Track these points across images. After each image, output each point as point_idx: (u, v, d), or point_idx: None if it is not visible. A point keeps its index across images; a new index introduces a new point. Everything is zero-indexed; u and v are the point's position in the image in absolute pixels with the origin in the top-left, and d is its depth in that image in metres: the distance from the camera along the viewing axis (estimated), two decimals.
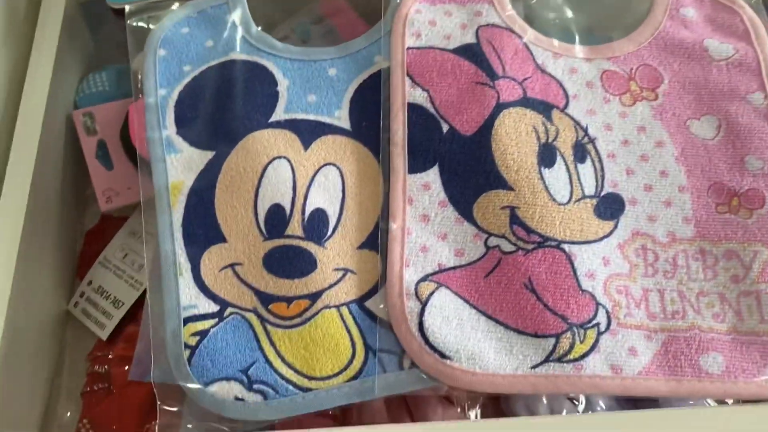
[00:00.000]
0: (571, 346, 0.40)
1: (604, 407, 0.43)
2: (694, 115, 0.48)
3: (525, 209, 0.43)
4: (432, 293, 0.42)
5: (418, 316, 0.41)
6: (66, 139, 0.55)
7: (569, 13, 0.53)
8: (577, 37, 0.51)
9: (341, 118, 0.48)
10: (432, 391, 0.42)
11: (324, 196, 0.45)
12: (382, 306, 0.42)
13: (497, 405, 0.44)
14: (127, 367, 0.49)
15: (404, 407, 0.45)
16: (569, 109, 0.48)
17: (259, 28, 0.52)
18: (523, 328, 0.41)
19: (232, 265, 0.44)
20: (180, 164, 0.46)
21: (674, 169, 0.46)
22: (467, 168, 0.45)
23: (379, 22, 0.51)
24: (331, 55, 0.51)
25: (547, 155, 0.45)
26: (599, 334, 0.41)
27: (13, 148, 0.50)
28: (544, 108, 0.47)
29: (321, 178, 0.46)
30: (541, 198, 0.43)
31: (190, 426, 0.40)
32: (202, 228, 0.45)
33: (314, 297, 0.42)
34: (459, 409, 0.43)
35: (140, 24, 0.53)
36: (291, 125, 0.47)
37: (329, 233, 0.44)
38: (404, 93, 0.47)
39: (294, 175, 0.45)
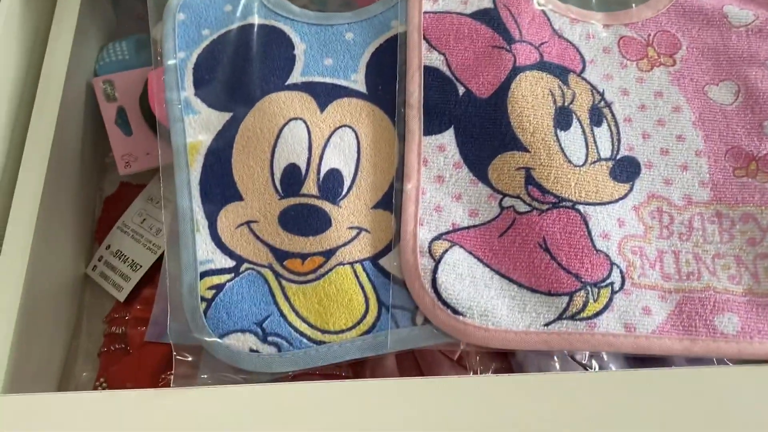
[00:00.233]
0: (585, 305, 0.40)
1: None
2: (712, 80, 0.47)
3: (540, 170, 0.43)
4: (445, 251, 0.42)
5: (432, 273, 0.41)
6: (86, 106, 0.56)
7: None
8: (594, 3, 0.51)
9: (357, 81, 0.48)
10: (446, 347, 0.42)
11: (339, 157, 0.45)
12: (395, 263, 0.42)
13: (510, 370, 0.44)
14: (143, 329, 0.49)
15: (417, 371, 0.45)
16: (586, 73, 0.47)
17: None
18: (536, 286, 0.41)
19: (248, 223, 0.44)
20: (198, 125, 0.47)
21: (691, 133, 0.46)
22: (483, 130, 0.45)
23: None
24: (348, 19, 0.51)
25: (563, 118, 0.45)
26: (613, 293, 0.41)
27: (34, 114, 0.51)
28: (561, 72, 0.47)
29: (336, 139, 0.46)
30: (556, 159, 0.43)
31: (204, 376, 0.41)
32: (219, 186, 0.45)
33: (328, 254, 0.43)
34: (471, 374, 0.43)
35: None
36: (307, 88, 0.48)
37: (344, 193, 0.45)
38: (420, 56, 0.47)
39: (310, 136, 0.46)
